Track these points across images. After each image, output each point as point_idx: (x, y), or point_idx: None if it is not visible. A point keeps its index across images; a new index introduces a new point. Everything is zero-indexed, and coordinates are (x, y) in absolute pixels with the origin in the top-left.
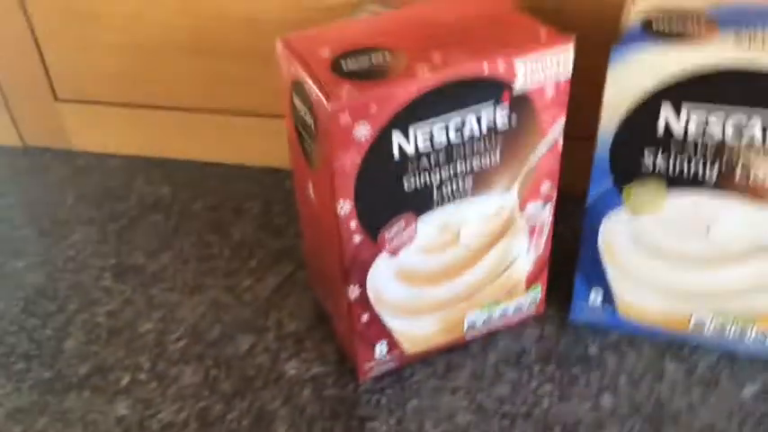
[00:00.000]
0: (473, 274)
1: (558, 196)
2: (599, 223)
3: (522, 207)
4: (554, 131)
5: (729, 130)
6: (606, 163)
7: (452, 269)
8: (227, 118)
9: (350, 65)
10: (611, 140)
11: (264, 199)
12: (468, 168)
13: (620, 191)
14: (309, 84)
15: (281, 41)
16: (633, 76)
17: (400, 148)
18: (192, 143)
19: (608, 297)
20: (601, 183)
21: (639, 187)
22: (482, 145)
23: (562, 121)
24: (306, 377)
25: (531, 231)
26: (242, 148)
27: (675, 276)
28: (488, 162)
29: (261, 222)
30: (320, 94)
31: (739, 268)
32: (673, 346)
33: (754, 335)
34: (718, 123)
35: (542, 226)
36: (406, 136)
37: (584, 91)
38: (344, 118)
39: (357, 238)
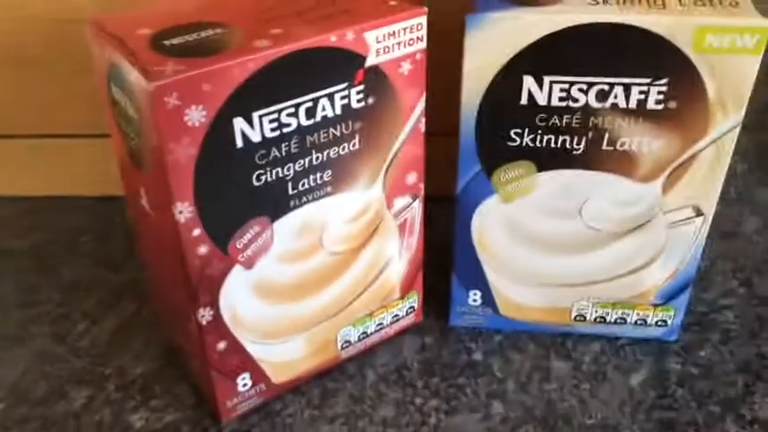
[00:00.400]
0: (342, 284)
1: (426, 195)
2: (471, 216)
3: (389, 203)
4: (415, 113)
5: (593, 98)
6: (472, 147)
7: (318, 280)
8: (42, 141)
9: (174, 41)
10: (474, 121)
11: (99, 232)
12: (326, 159)
13: (490, 176)
14: (127, 65)
15: (90, 23)
16: (491, 46)
17: (244, 135)
18: (14, 173)
19: (487, 298)
20: (469, 169)
21: (509, 170)
22: (339, 131)
23: (422, 101)
24: (157, 427)
25: (402, 230)
26: (68, 175)
27: (553, 265)
28: (348, 151)
29: (96, 258)
30: (140, 75)
31: (615, 248)
32: (557, 342)
33: (634, 318)
34: (582, 92)
35: (413, 223)
36: (250, 121)
37: (443, 84)
38: (172, 100)
39: (203, 249)
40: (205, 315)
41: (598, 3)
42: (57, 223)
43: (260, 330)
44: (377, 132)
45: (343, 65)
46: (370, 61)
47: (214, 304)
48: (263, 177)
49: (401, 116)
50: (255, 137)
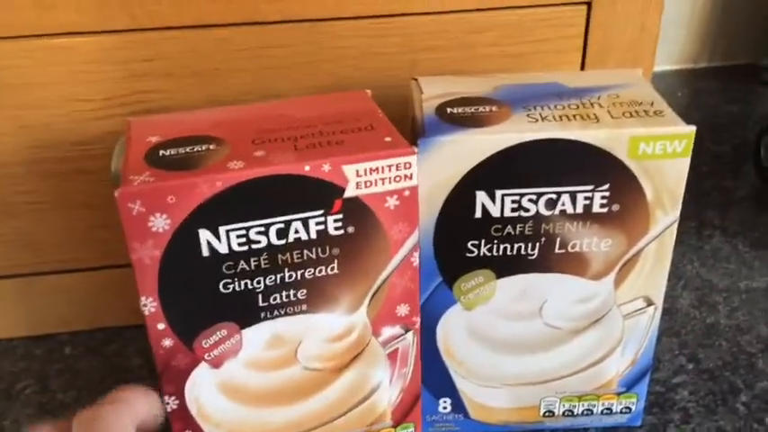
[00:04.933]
0: (319, 401)
1: None
2: (435, 326)
3: (375, 331)
4: (405, 248)
5: (543, 207)
6: (431, 261)
7: (292, 392)
8: None
9: (168, 152)
10: (432, 236)
11: (39, 374)
12: (299, 278)
13: (451, 287)
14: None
15: (127, 122)
16: (443, 166)
17: (210, 245)
18: None
19: (457, 404)
20: (430, 282)
21: (469, 280)
22: (314, 253)
23: (414, 237)
24: None
25: (393, 359)
26: (1, 318)
27: (518, 365)
28: (325, 274)
29: (39, 403)
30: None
31: (574, 344)
32: None
33: (600, 408)
34: (532, 202)
35: (406, 354)
36: (216, 234)
37: None
38: (136, 206)
39: (167, 342)
40: (170, 403)
41: (537, 120)
42: None
43: (225, 428)
44: (359, 260)
45: (318, 193)
46: (350, 193)
47: (179, 395)
48: (231, 286)
49: (388, 248)
50: (222, 248)
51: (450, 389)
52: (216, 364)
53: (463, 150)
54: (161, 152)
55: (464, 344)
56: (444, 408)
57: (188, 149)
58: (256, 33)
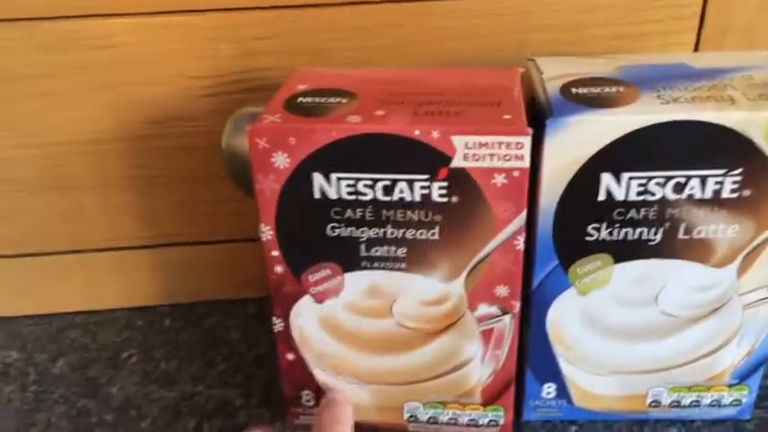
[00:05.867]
0: (407, 360)
1: None
2: (546, 310)
3: (472, 305)
4: (510, 228)
5: (670, 191)
6: (549, 243)
7: (383, 343)
8: (84, 257)
9: (304, 100)
10: (552, 219)
11: (143, 345)
12: (401, 236)
13: (566, 270)
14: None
15: (293, 71)
16: (570, 147)
17: (321, 189)
18: (41, 292)
19: (561, 390)
20: (545, 265)
21: (586, 264)
22: (417, 215)
23: (521, 219)
24: None
25: (486, 338)
26: (103, 290)
27: (629, 353)
28: (426, 237)
29: (144, 373)
30: None
31: (690, 333)
32: (632, 430)
33: (709, 401)
34: (659, 185)
35: (501, 336)
36: (328, 179)
37: None
38: (262, 142)
39: (279, 269)
40: (277, 324)
41: (669, 102)
42: (94, 340)
43: (324, 360)
44: (460, 231)
45: (426, 158)
46: (457, 163)
47: (285, 319)
48: (337, 231)
49: (492, 225)
50: (332, 194)
51: (555, 374)
52: (319, 299)
53: (592, 131)
54: (299, 99)
55: (575, 329)
56: (548, 393)
57: (322, 100)
58: (364, 13)
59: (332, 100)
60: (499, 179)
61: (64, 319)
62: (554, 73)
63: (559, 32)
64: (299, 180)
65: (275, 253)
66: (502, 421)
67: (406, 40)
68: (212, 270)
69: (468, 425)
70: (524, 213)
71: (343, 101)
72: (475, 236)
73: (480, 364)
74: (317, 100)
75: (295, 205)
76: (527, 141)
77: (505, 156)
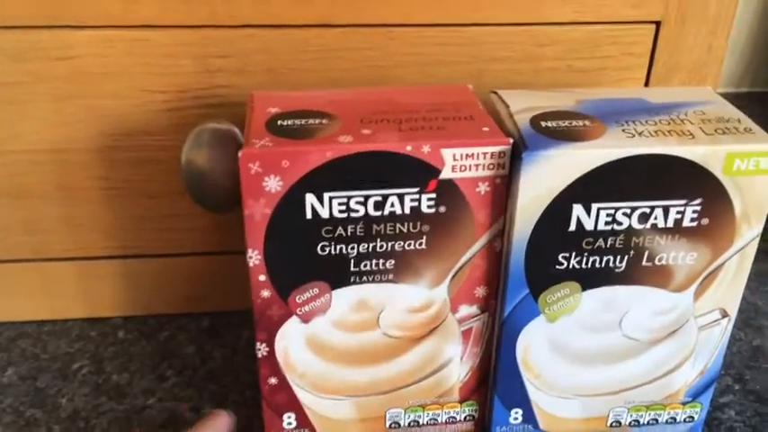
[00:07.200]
0: (393, 368)
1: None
2: (516, 337)
3: (453, 308)
4: (490, 233)
5: (636, 220)
6: (521, 273)
7: (369, 355)
8: (43, 266)
9: (285, 122)
10: (524, 249)
11: (94, 356)
12: (390, 249)
13: (536, 299)
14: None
15: (251, 95)
16: (544, 180)
17: (313, 209)
18: None
19: (528, 415)
20: (516, 294)
21: (555, 292)
22: (406, 228)
23: (499, 223)
24: None
25: (466, 337)
26: (60, 300)
27: (594, 376)
28: (413, 248)
29: (95, 385)
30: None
31: (650, 355)
32: None
33: (665, 418)
34: (626, 215)
35: (479, 334)
36: (320, 199)
37: None
38: (254, 167)
39: (265, 293)
40: (261, 349)
41: (634, 136)
42: (45, 350)
43: (308, 380)
44: (446, 239)
45: (415, 172)
46: (445, 175)
47: (270, 342)
48: (327, 249)
49: (474, 231)
50: (324, 213)
51: (522, 400)
52: (306, 318)
53: (566, 164)
54: (279, 122)
55: (543, 355)
56: (515, 419)
57: (303, 122)
58: (330, 36)
59: (313, 121)
60: (482, 187)
61: (15, 328)
62: (520, 106)
63: (516, 63)
64: (290, 202)
65: (262, 278)
66: (476, 415)
67: (368, 65)
68: (167, 283)
69: (446, 422)
70: (503, 218)
71: (324, 121)
72: (459, 242)
73: (459, 364)
74: (299, 122)
75: (285, 228)
76: (508, 150)
77: (489, 165)
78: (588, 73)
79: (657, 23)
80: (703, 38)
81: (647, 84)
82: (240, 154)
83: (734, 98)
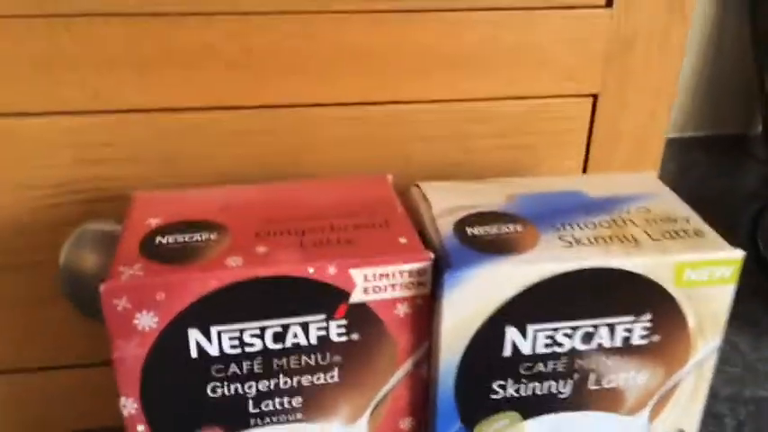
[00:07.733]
0: None
1: None
2: None
3: None
4: (413, 359)
5: (578, 341)
6: (451, 403)
7: None
8: None
9: (164, 240)
10: (453, 377)
11: None
12: (296, 385)
13: (472, 431)
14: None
15: (132, 196)
16: (471, 301)
17: (199, 346)
18: None
19: None
20: (447, 427)
21: (493, 423)
22: (313, 360)
23: (423, 348)
24: None
25: None
26: None
27: None
28: (324, 382)
29: None
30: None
31: None
32: None
33: None
34: (567, 336)
35: None
36: (207, 335)
37: None
38: (121, 303)
39: None
40: None
41: (572, 244)
42: None
43: None
44: (362, 369)
45: (321, 297)
46: (356, 298)
47: None
48: (220, 390)
49: (395, 358)
50: (213, 350)
51: None
52: None
53: (496, 283)
54: (158, 239)
55: None
56: None
57: (187, 238)
58: (231, 119)
59: (198, 237)
60: (402, 309)
61: None
62: (443, 205)
63: (445, 142)
64: (169, 340)
65: (141, 428)
66: None
67: (277, 149)
68: (60, 399)
69: None
70: (428, 342)
71: (212, 237)
72: (377, 371)
73: None
74: (180, 239)
75: (165, 370)
76: (429, 267)
77: (408, 284)
78: (523, 149)
79: (595, 96)
80: (646, 105)
81: (587, 157)
82: (102, 289)
83: (679, 144)
